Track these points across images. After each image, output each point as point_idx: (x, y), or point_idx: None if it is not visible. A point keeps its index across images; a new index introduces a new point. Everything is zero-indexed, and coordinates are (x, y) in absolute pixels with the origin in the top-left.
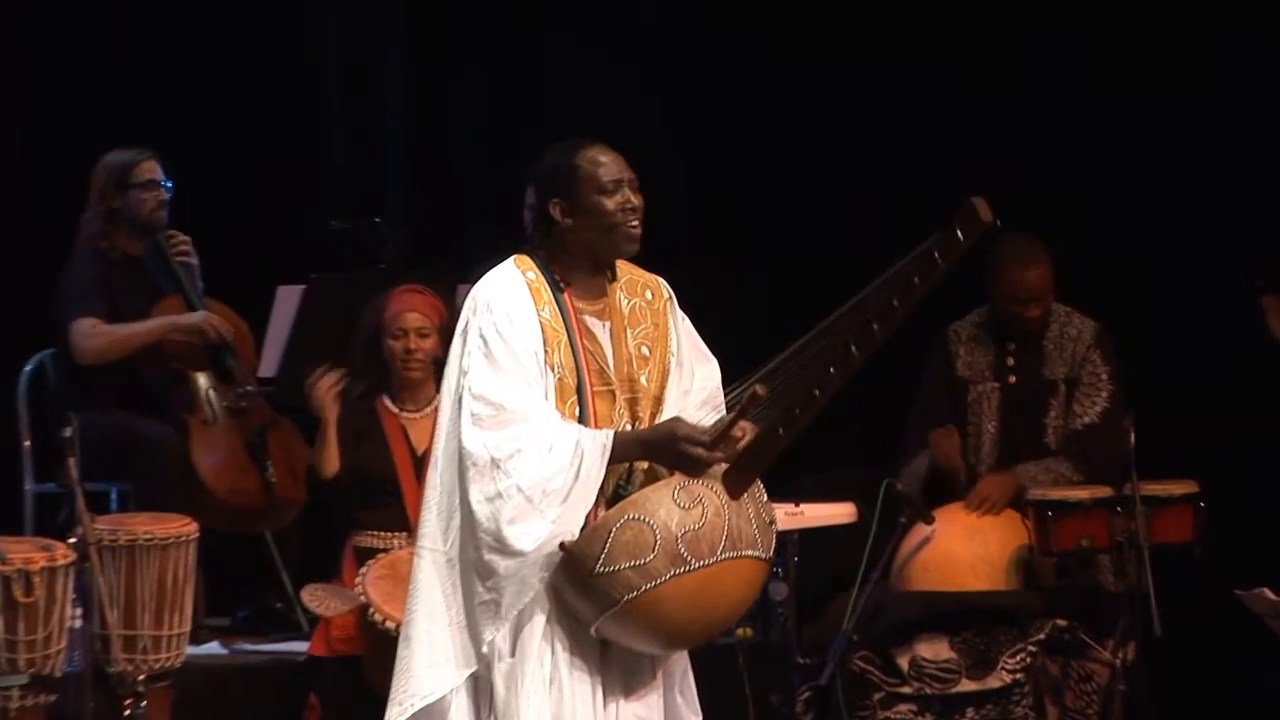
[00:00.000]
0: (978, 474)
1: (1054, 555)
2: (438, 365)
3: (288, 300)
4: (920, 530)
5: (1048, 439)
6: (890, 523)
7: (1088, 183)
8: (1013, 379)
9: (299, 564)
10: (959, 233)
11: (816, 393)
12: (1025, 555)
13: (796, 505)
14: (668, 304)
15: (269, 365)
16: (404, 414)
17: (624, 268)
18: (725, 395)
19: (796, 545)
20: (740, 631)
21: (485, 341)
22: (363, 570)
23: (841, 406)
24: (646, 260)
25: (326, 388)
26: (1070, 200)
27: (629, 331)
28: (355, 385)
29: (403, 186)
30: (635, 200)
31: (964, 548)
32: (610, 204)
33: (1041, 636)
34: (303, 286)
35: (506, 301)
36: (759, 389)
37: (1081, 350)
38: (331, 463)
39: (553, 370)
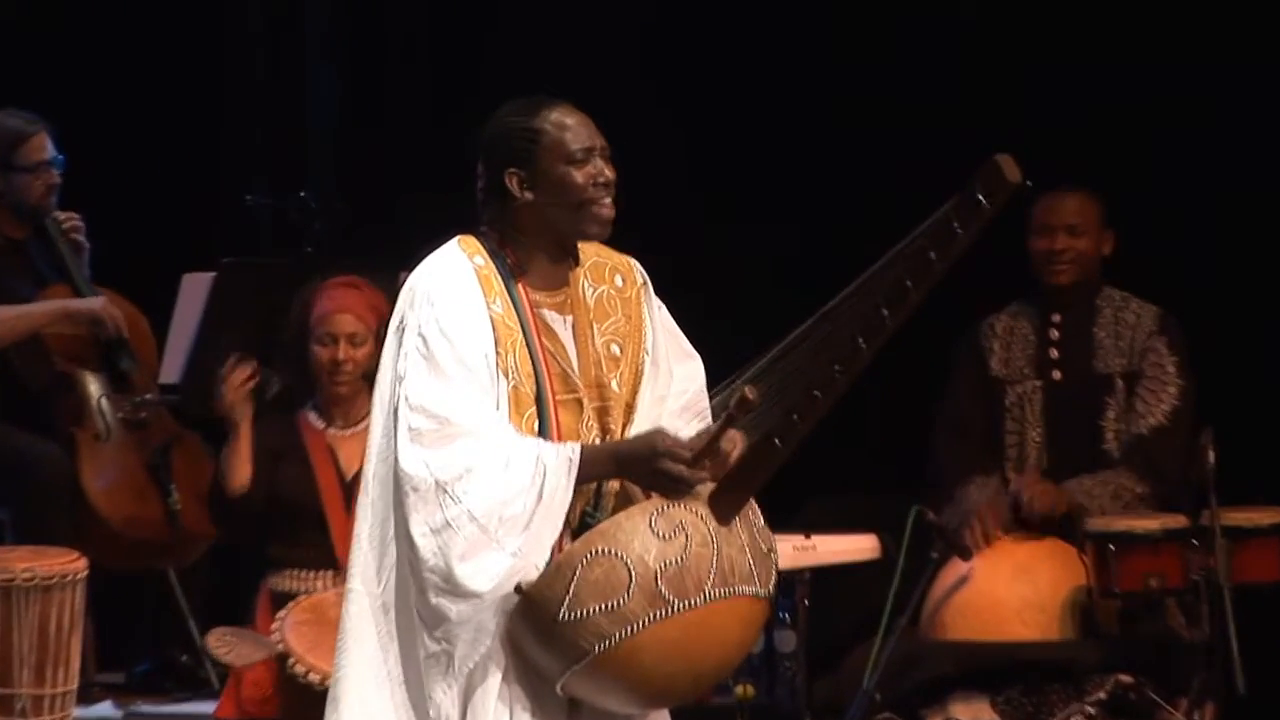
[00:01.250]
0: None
1: (1117, 598)
2: (370, 379)
3: (194, 291)
4: (956, 568)
5: (1106, 445)
6: (920, 558)
7: (1151, 158)
8: (1057, 375)
9: (208, 609)
10: (981, 197)
11: (817, 395)
12: (1082, 598)
13: (807, 537)
14: (641, 291)
15: (172, 369)
16: (331, 431)
17: (588, 249)
18: (711, 399)
19: (807, 585)
20: (739, 689)
21: (425, 342)
22: (281, 614)
23: (861, 417)
24: (631, 236)
25: (237, 384)
26: (1133, 181)
27: (595, 327)
28: (272, 382)
29: (332, 153)
30: (608, 173)
31: (1009, 589)
32: (579, 177)
33: (1102, 695)
34: (212, 275)
35: (450, 293)
36: (748, 391)
37: (1141, 338)
38: (241, 473)
39: (506, 376)
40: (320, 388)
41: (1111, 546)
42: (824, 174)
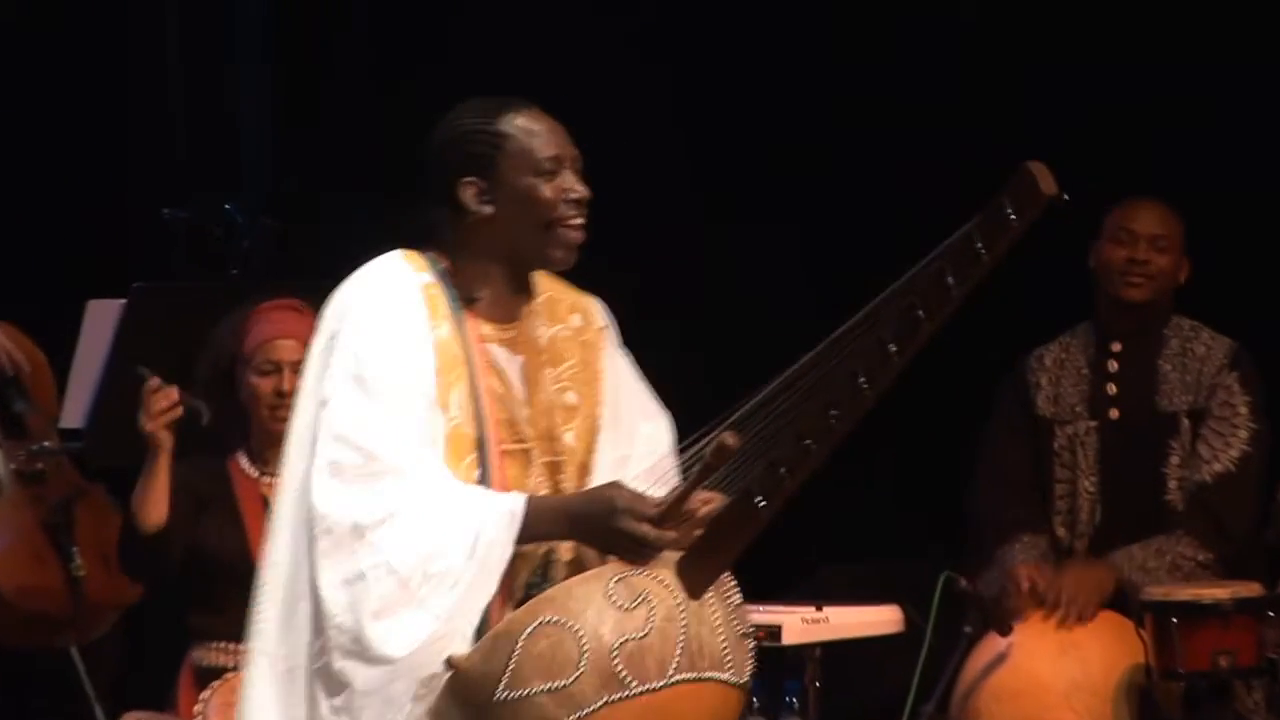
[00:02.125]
0: (1074, 551)
1: (1180, 679)
2: None
3: (101, 320)
4: (993, 644)
5: (1169, 496)
6: (950, 632)
7: (1227, 178)
8: (1115, 413)
9: (116, 690)
10: (1009, 211)
11: (810, 444)
12: (1140, 679)
13: (818, 608)
14: (601, 334)
15: (75, 412)
16: (266, 479)
17: (544, 282)
18: (685, 452)
19: (818, 664)
20: None
21: (358, 362)
22: (204, 695)
23: (881, 469)
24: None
25: (158, 411)
26: (1207, 203)
27: (548, 370)
28: (203, 410)
29: (265, 159)
30: (580, 189)
31: (1054, 669)
32: (547, 190)
33: None
34: (122, 301)
35: (390, 309)
36: (728, 437)
37: (1211, 373)
38: (157, 508)
39: (446, 412)
40: (255, 426)
41: (1174, 619)
42: (823, 174)
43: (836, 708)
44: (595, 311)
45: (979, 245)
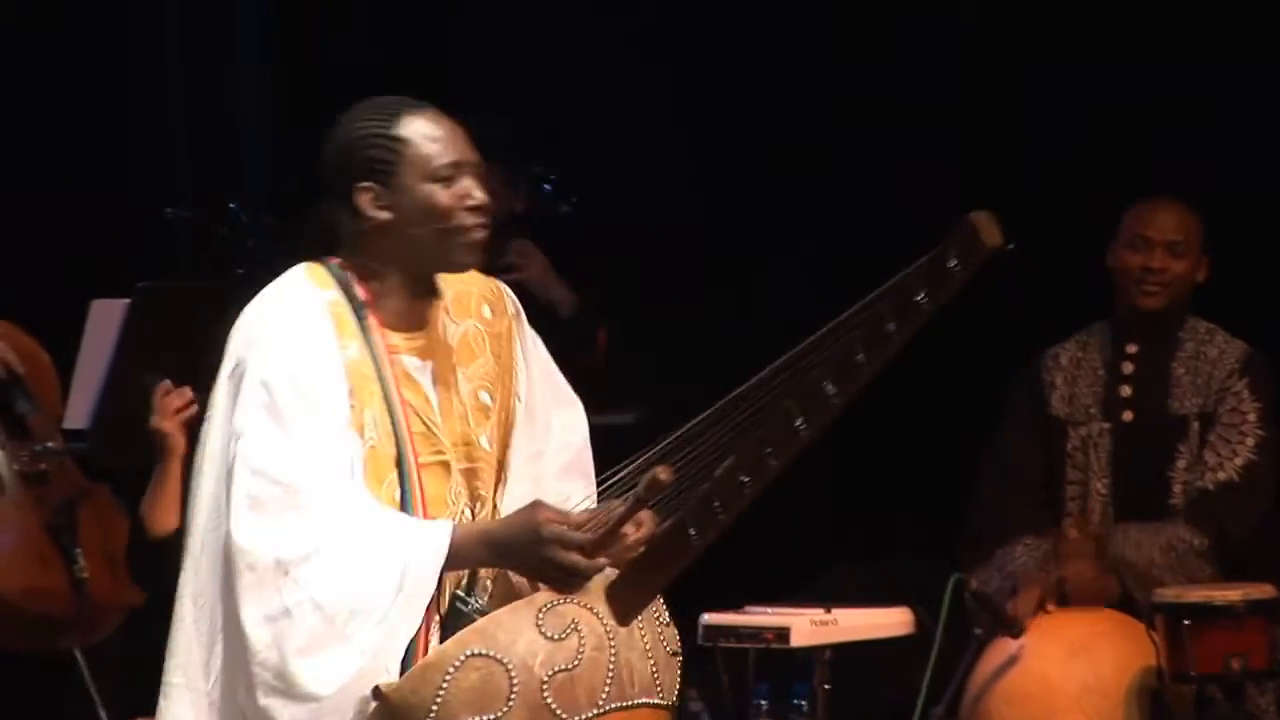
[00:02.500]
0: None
1: (1192, 681)
2: None
3: (105, 320)
4: (1003, 647)
5: (1173, 500)
6: (960, 635)
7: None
8: (1128, 415)
9: (122, 695)
10: (952, 261)
11: (744, 481)
12: (1151, 681)
13: (827, 610)
14: (513, 323)
15: (79, 412)
16: None
17: (448, 275)
18: (623, 471)
19: (827, 666)
20: None
21: (269, 391)
22: None
23: (891, 470)
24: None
25: (173, 409)
26: (1227, 201)
27: (460, 371)
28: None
29: (265, 159)
30: (478, 194)
31: (1064, 671)
32: (445, 197)
33: None
34: (126, 301)
35: (299, 333)
36: (661, 472)
37: (1221, 377)
38: (168, 515)
39: (362, 434)
40: None
41: (1186, 621)
42: (823, 174)
43: (845, 710)
44: (504, 299)
45: (920, 296)
